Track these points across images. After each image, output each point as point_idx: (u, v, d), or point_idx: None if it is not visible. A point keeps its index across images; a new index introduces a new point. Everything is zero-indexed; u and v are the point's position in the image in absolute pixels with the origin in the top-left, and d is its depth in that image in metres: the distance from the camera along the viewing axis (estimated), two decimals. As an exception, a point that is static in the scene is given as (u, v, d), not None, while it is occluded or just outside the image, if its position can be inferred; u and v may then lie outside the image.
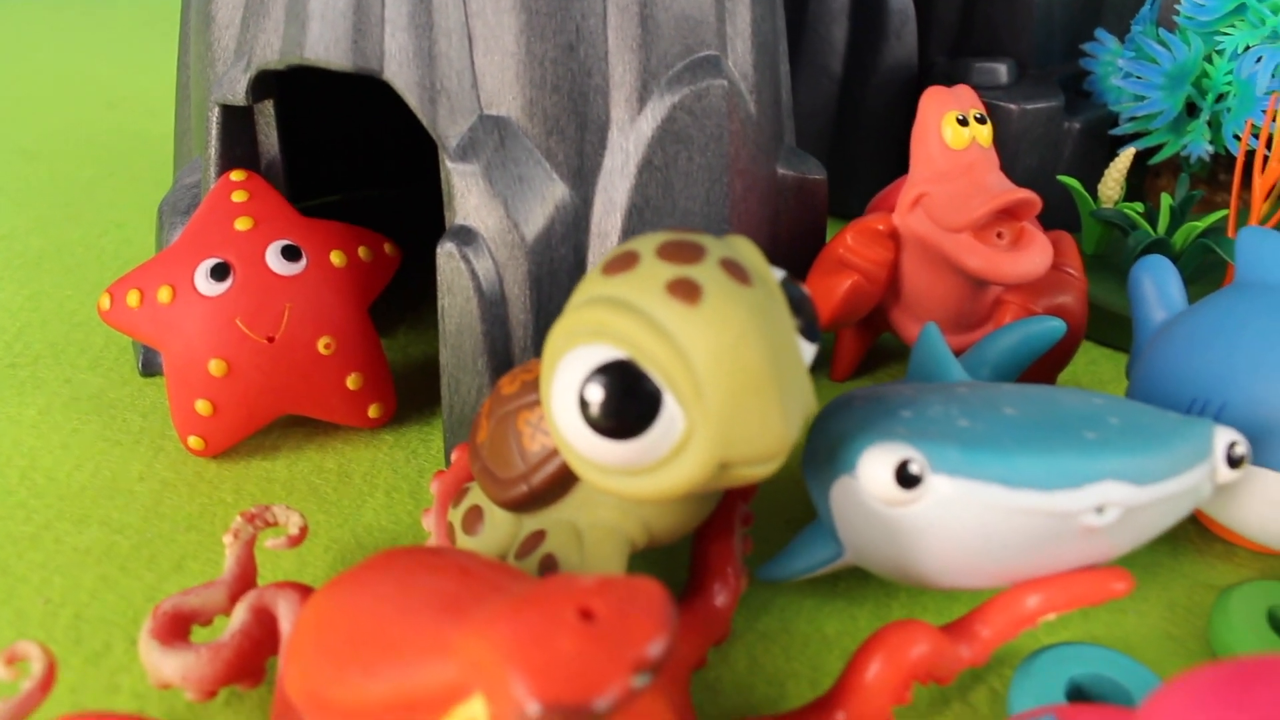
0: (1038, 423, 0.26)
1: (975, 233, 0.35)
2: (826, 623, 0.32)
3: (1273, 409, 0.30)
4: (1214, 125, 0.48)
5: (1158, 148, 0.49)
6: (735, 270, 0.24)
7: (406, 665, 0.22)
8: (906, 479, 0.25)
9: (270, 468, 0.38)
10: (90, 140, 0.67)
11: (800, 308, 0.26)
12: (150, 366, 0.43)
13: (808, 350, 0.26)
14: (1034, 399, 0.28)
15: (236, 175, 0.39)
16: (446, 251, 0.35)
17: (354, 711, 0.23)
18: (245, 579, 0.31)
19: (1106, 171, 0.46)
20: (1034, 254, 0.35)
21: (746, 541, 0.31)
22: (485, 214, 0.35)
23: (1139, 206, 0.45)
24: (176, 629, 0.29)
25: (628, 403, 0.24)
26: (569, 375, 0.24)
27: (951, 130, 0.36)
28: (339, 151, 0.51)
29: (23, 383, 0.43)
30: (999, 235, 0.35)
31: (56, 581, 0.34)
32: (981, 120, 0.36)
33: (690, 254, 0.25)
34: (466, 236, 0.35)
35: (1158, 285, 0.37)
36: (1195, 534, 0.35)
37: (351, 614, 0.24)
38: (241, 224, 0.37)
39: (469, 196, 0.35)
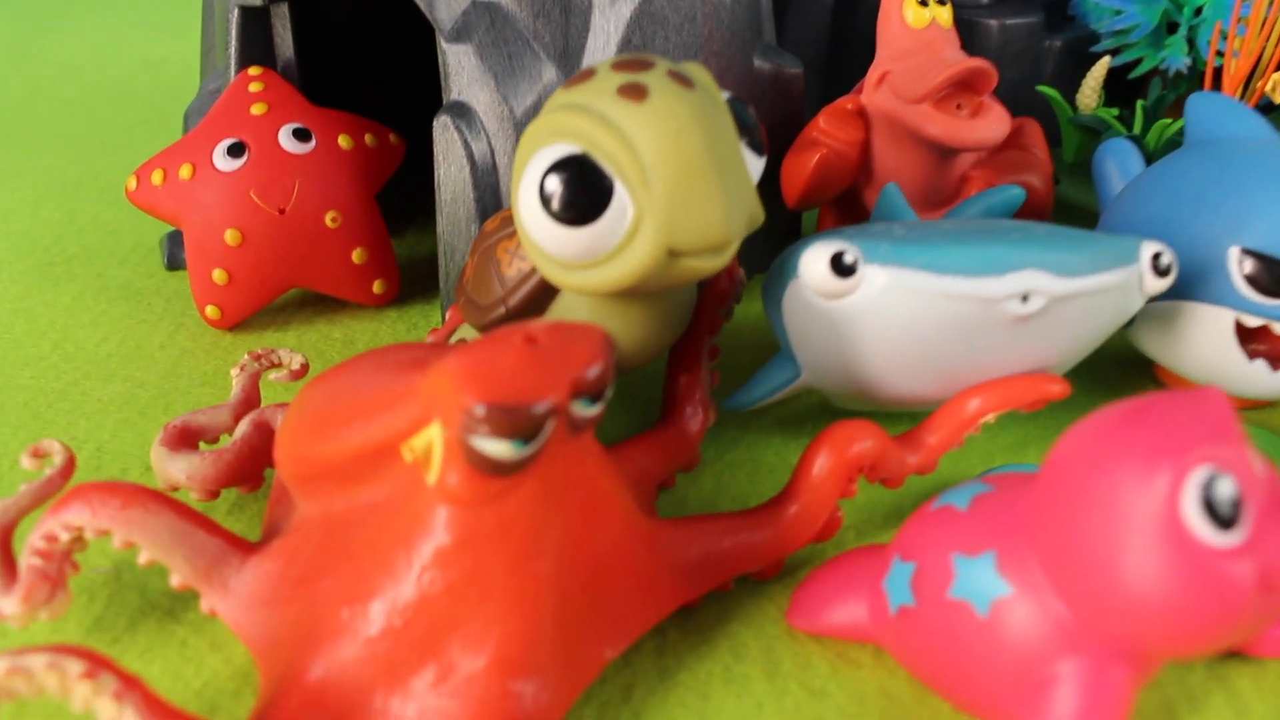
0: (968, 230, 0.28)
1: (936, 104, 0.37)
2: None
3: (1208, 245, 0.32)
4: (1192, 40, 0.49)
5: (1138, 63, 0.51)
6: (680, 78, 0.27)
7: (378, 413, 0.24)
8: (842, 268, 0.27)
9: (280, 338, 0.41)
10: (128, 93, 0.71)
11: (745, 124, 0.28)
12: (175, 261, 0.46)
13: (755, 163, 0.29)
14: (971, 222, 0.30)
15: (254, 71, 0.42)
16: (442, 124, 0.38)
17: (332, 464, 0.25)
18: (249, 405, 0.33)
19: (1084, 80, 0.48)
20: (991, 121, 0.37)
21: (714, 375, 0.34)
22: (477, 90, 0.38)
23: (1114, 111, 0.47)
24: (184, 440, 0.32)
25: (582, 191, 0.26)
26: (531, 174, 0.27)
27: (912, 11, 0.38)
28: (353, 77, 0.54)
29: (58, 277, 0.47)
30: (959, 107, 0.37)
31: (82, 424, 0.36)
32: (941, 1, 0.38)
33: (640, 66, 0.27)
34: (460, 110, 0.38)
35: (1120, 166, 0.39)
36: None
37: (331, 389, 0.27)
38: (257, 109, 0.40)
39: (462, 74, 0.38)
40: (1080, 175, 0.49)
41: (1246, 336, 0.32)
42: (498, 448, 0.21)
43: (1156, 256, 0.29)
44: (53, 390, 0.38)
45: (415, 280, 0.45)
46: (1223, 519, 0.20)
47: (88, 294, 0.45)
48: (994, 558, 0.23)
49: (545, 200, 0.27)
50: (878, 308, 0.27)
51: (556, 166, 0.26)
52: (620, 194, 0.26)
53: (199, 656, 0.27)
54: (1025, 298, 0.27)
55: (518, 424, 0.21)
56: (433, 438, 0.23)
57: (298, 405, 0.27)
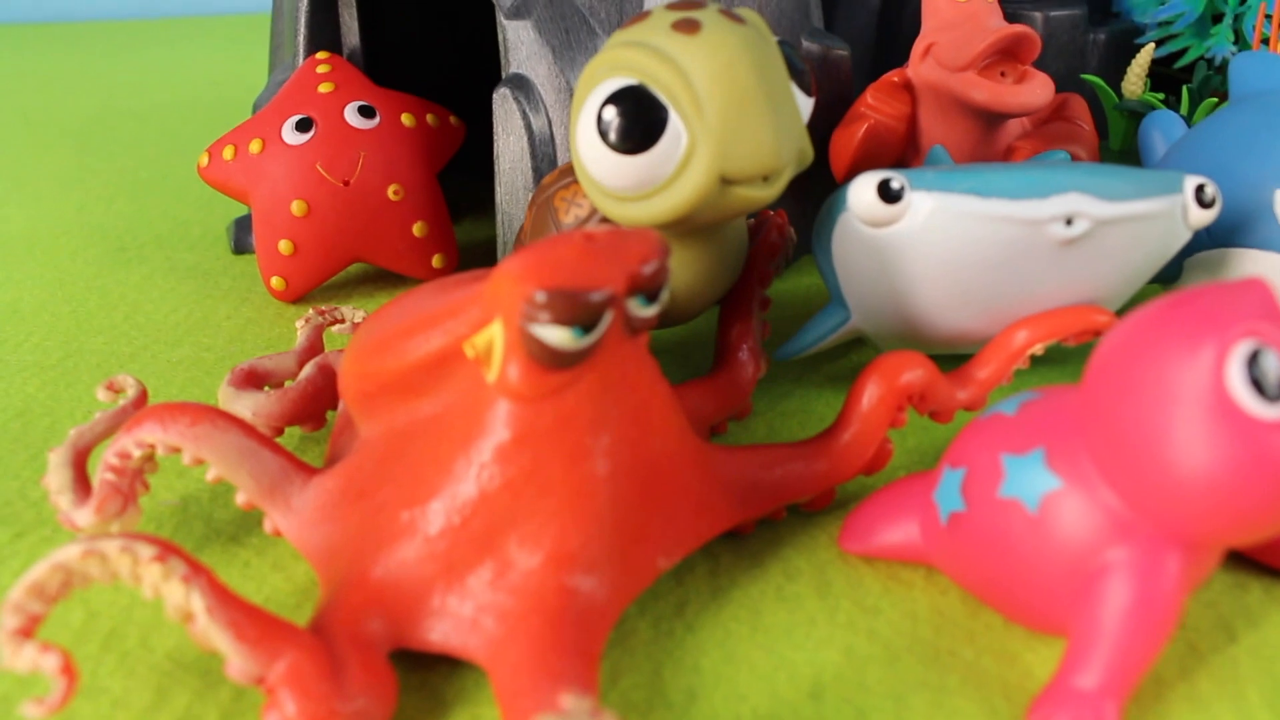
0: (1013, 164, 0.29)
1: (981, 72, 0.38)
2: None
3: (1254, 191, 0.32)
4: (1238, 29, 0.50)
5: (1183, 53, 0.51)
6: (732, 15, 0.28)
7: (441, 321, 0.25)
8: (889, 194, 0.27)
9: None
10: (193, 106, 0.74)
11: (795, 66, 0.29)
12: (241, 245, 0.48)
13: (804, 103, 0.30)
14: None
15: (321, 55, 0.44)
16: (501, 95, 0.39)
17: (396, 377, 0.26)
18: (313, 354, 0.34)
19: (1129, 67, 0.49)
20: (1035, 86, 0.37)
21: (765, 326, 0.34)
22: (535, 63, 0.39)
23: (1160, 96, 0.48)
24: (250, 381, 0.33)
25: (638, 119, 0.27)
26: (589, 108, 0.28)
27: (958, -17, 0.39)
28: (417, 68, 0.56)
29: (129, 260, 0.48)
30: (1002, 74, 0.38)
31: (152, 384, 0.38)
32: (986, -26, 0.39)
33: (693, 5, 0.28)
34: (519, 83, 0.39)
35: (1166, 135, 0.39)
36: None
37: (395, 310, 0.27)
38: (324, 88, 0.42)
39: (520, 48, 0.39)
40: (1128, 163, 0.49)
41: (1298, 283, 0.32)
42: (557, 335, 0.22)
43: (1200, 188, 0.29)
44: (124, 353, 0.40)
45: (473, 261, 0.46)
46: (1270, 391, 0.20)
47: (157, 274, 0.47)
48: (1043, 454, 0.23)
49: (603, 132, 0.28)
50: (925, 233, 0.28)
51: (613, 98, 0.28)
52: (674, 122, 0.27)
53: (260, 575, 0.28)
54: (1070, 221, 0.27)
55: (576, 310, 0.22)
56: (494, 334, 0.24)
57: (362, 329, 0.28)
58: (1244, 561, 0.27)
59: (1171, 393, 0.21)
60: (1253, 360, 0.20)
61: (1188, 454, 0.20)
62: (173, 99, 0.77)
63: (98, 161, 0.63)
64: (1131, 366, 0.21)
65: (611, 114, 0.27)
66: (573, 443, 0.24)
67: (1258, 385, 0.20)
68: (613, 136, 0.27)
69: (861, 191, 0.28)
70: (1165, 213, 0.28)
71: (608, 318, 0.23)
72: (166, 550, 0.23)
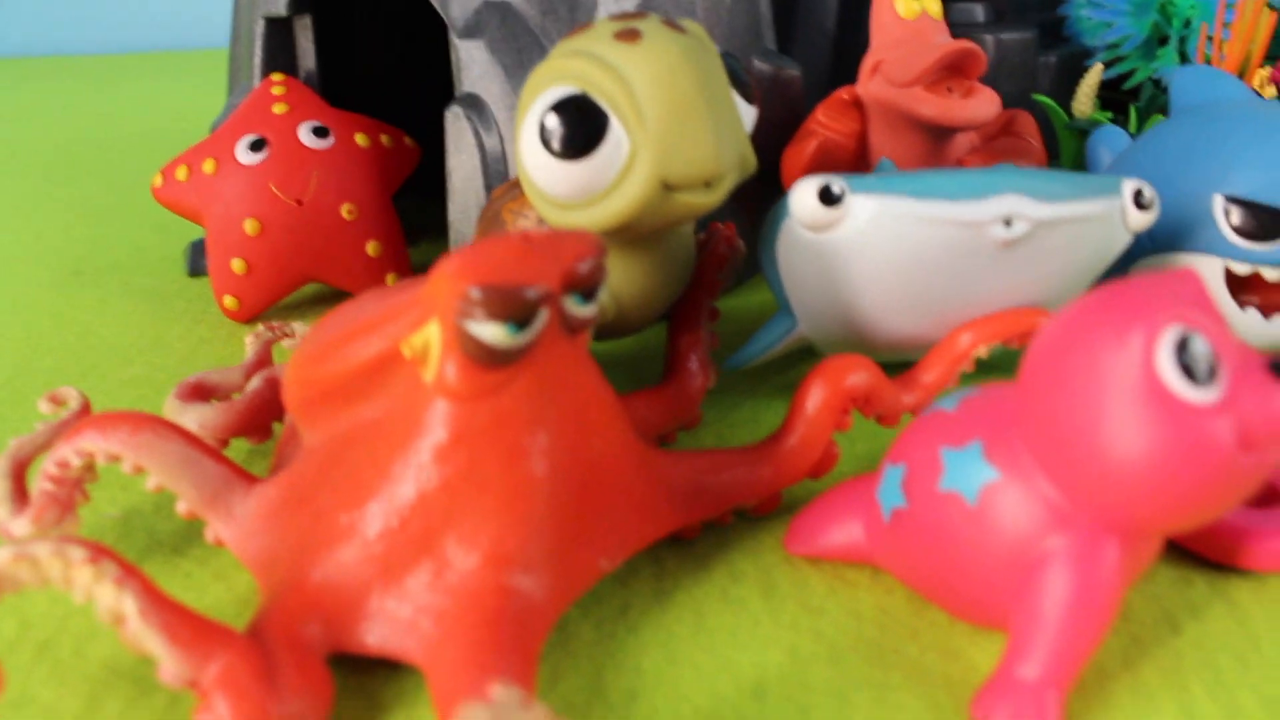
0: (953, 169, 0.29)
1: (928, 88, 0.38)
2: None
3: (1195, 197, 0.33)
4: (1183, 51, 0.51)
5: (1131, 74, 0.52)
6: (674, 25, 0.28)
7: (381, 325, 0.25)
8: (829, 198, 0.28)
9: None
10: (160, 137, 0.75)
11: (738, 76, 0.30)
12: (197, 267, 0.48)
13: (747, 112, 0.30)
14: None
15: (277, 77, 0.44)
16: (454, 114, 0.39)
17: (338, 381, 0.26)
18: (261, 367, 0.34)
19: (1078, 87, 0.49)
20: (982, 100, 0.38)
21: (714, 338, 0.34)
22: (488, 82, 0.39)
23: (1109, 115, 0.49)
24: (197, 394, 0.33)
25: (579, 126, 0.27)
26: (532, 116, 0.28)
27: (903, 2, 0.40)
28: (374, 93, 0.57)
29: (84, 284, 0.48)
30: (949, 90, 0.38)
31: (101, 401, 0.37)
32: (932, -8, 0.40)
33: (636, 16, 0.29)
34: (471, 101, 0.39)
35: (1112, 150, 0.40)
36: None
37: (337, 317, 0.27)
38: (278, 108, 0.42)
39: (473, 67, 0.39)
40: (1079, 182, 0.50)
41: (1237, 287, 0.33)
42: (492, 332, 0.22)
43: (1138, 191, 0.29)
44: (73, 372, 0.39)
45: (428, 279, 0.46)
46: (1199, 375, 0.20)
47: (112, 297, 0.46)
48: (981, 446, 0.23)
49: (545, 139, 0.28)
50: (866, 237, 0.28)
51: (556, 106, 0.28)
52: (615, 128, 0.27)
53: (202, 585, 0.28)
54: (1009, 222, 0.27)
55: (511, 306, 0.22)
56: (430, 334, 0.23)
57: (307, 337, 0.28)
58: (1188, 556, 0.27)
59: (1103, 380, 0.21)
60: (1182, 346, 0.20)
61: (1120, 440, 0.20)
62: (139, 129, 0.77)
63: (59, 189, 0.63)
64: (1064, 356, 0.21)
65: (554, 122, 0.28)
66: (510, 442, 0.24)
67: (1188, 370, 0.20)
68: (555, 144, 0.28)
69: (802, 196, 0.28)
70: (1104, 215, 0.29)
71: (543, 315, 0.23)
72: (99, 553, 0.23)
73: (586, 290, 0.23)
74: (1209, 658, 0.24)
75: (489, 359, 0.22)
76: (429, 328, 0.24)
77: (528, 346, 0.23)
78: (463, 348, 0.22)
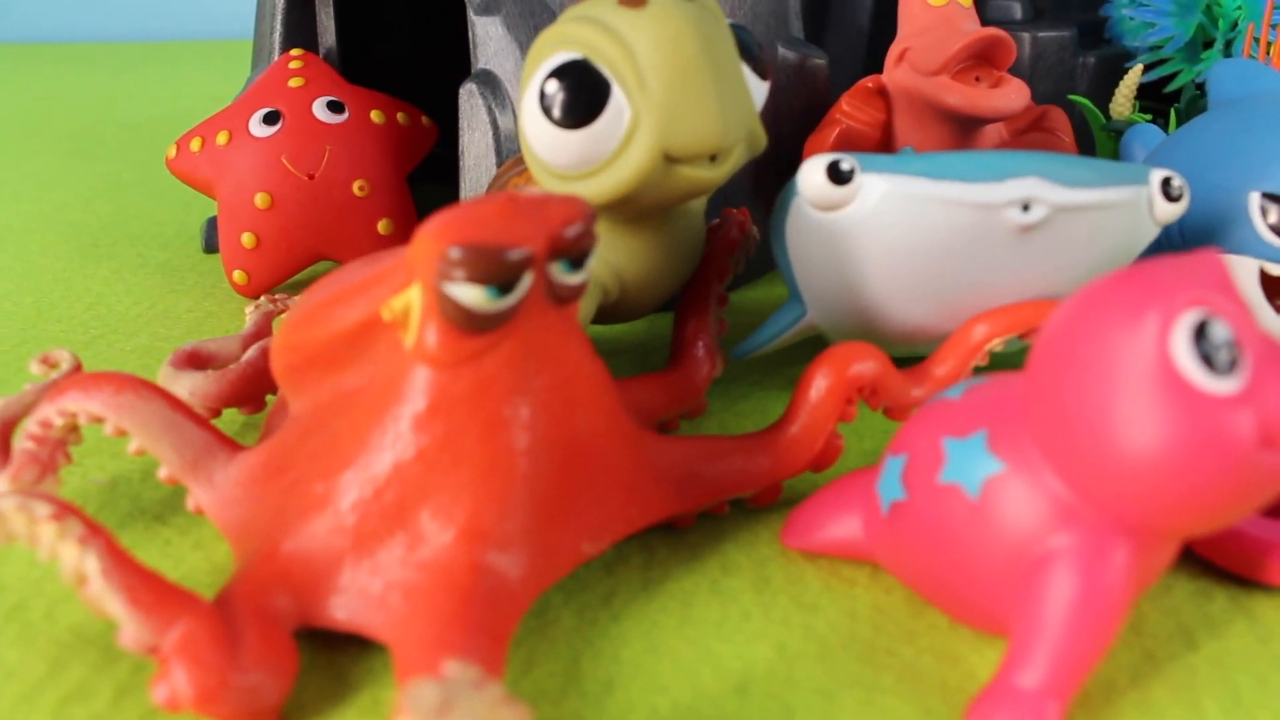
0: (972, 150, 0.28)
1: (954, 76, 0.37)
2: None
3: (1230, 194, 0.31)
4: (1229, 53, 0.49)
5: (1173, 77, 0.50)
6: (682, -7, 0.27)
7: (365, 290, 0.24)
8: (838, 176, 0.27)
9: (304, 305, 0.42)
10: (185, 120, 0.75)
11: (749, 49, 0.29)
12: (211, 244, 0.47)
13: (757, 86, 0.29)
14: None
15: (295, 52, 0.44)
16: (468, 91, 0.38)
17: (322, 347, 0.25)
18: (259, 338, 0.34)
19: (1117, 89, 0.48)
20: (1010, 91, 0.37)
21: (722, 323, 0.33)
22: (503, 59, 0.39)
23: (1148, 117, 0.47)
24: (192, 362, 0.32)
25: (580, 93, 0.26)
26: (534, 83, 0.27)
27: (934, -11, 0.38)
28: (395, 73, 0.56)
29: (100, 256, 0.48)
30: (977, 79, 0.37)
31: (102, 369, 0.37)
32: (963, -22, 0.38)
33: (644, -18, 0.28)
34: (486, 78, 0.39)
35: (1145, 146, 0.38)
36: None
37: (325, 283, 0.27)
38: (294, 83, 0.42)
39: (489, 44, 0.39)
40: (1116, 185, 0.48)
41: (1274, 290, 0.31)
42: (472, 295, 0.21)
43: (1166, 181, 0.28)
44: (79, 341, 0.39)
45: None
46: (1218, 364, 0.19)
47: (125, 269, 0.46)
48: (985, 437, 0.22)
49: (546, 107, 0.27)
50: (876, 217, 0.27)
51: (556, 72, 0.27)
52: (617, 96, 0.26)
53: (179, 553, 0.27)
54: (1026, 206, 0.26)
55: (492, 267, 0.21)
56: (411, 297, 0.23)
57: (296, 304, 0.27)
58: (1209, 568, 0.26)
59: (1114, 367, 0.19)
60: (1200, 331, 0.19)
61: (1132, 432, 0.19)
62: (166, 112, 0.77)
63: (84, 165, 0.63)
64: (1073, 342, 0.20)
65: (554, 88, 0.27)
66: (490, 412, 0.23)
67: (1206, 358, 0.19)
68: (555, 111, 0.27)
69: (811, 173, 0.27)
70: (1130, 203, 0.27)
71: (527, 280, 0.22)
72: (64, 510, 0.22)
73: (575, 257, 0.22)
74: (1226, 676, 0.23)
75: (469, 324, 0.22)
76: (410, 290, 0.23)
77: (509, 312, 0.22)
78: (443, 311, 0.22)
